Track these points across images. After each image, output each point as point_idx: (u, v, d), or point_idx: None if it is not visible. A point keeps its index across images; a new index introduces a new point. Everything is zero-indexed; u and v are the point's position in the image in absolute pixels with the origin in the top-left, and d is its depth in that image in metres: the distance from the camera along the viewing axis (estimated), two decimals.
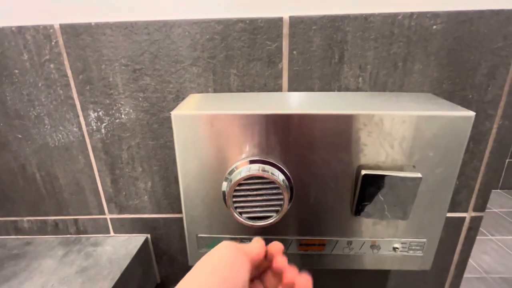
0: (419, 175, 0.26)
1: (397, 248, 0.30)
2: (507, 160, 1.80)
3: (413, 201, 0.27)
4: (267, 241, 0.32)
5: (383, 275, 0.41)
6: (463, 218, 0.37)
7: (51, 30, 0.31)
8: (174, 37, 0.31)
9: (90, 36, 0.31)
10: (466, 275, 1.26)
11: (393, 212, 0.28)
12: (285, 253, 0.31)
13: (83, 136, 0.36)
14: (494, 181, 0.36)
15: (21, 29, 0.31)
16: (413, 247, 0.30)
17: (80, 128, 0.35)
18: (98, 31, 0.31)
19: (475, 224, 0.38)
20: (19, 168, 0.37)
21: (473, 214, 0.37)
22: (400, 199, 0.27)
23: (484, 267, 1.31)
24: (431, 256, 0.31)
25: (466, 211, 0.37)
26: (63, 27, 0.31)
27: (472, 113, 0.25)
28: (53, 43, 0.31)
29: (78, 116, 0.35)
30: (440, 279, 0.42)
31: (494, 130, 0.33)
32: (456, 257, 0.40)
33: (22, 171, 0.38)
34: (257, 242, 0.22)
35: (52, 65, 0.32)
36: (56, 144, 0.36)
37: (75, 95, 0.34)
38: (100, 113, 0.34)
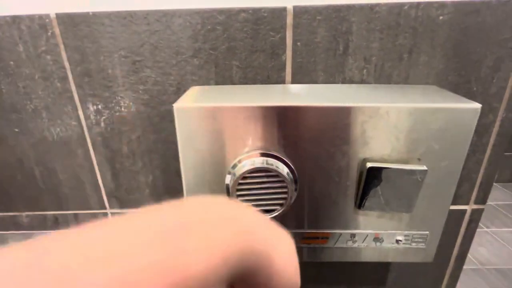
0: (424, 167, 0.26)
1: (400, 240, 0.30)
2: (504, 154, 1.82)
3: (418, 194, 0.27)
4: None
5: (384, 267, 0.42)
6: (464, 211, 0.38)
7: (47, 20, 0.30)
8: (175, 28, 0.30)
9: (88, 26, 0.30)
10: None
11: (397, 205, 0.28)
12: None
13: (82, 130, 0.35)
14: (495, 174, 0.36)
15: (15, 19, 0.30)
16: (416, 240, 0.30)
17: (79, 122, 0.34)
18: (96, 21, 0.30)
19: (476, 216, 0.38)
20: (16, 163, 0.37)
21: (474, 206, 0.37)
22: (405, 192, 0.27)
23: (479, 259, 1.34)
24: (433, 249, 0.31)
25: (467, 203, 0.37)
26: (60, 17, 0.30)
27: (478, 105, 0.25)
28: (49, 33, 0.31)
29: (76, 109, 0.34)
30: (440, 272, 0.42)
31: (497, 123, 0.33)
32: (456, 249, 0.40)
33: (20, 166, 0.37)
34: None
35: (48, 57, 0.32)
36: (55, 138, 0.35)
37: (73, 87, 0.33)
38: (99, 106, 0.34)
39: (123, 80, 0.32)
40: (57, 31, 0.30)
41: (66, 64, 0.32)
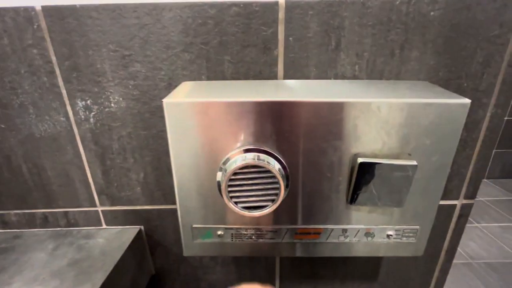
0: (414, 163, 0.26)
1: (391, 235, 0.31)
2: (494, 151, 1.86)
3: (408, 188, 0.27)
4: (262, 231, 0.32)
5: (375, 262, 0.42)
6: (454, 206, 0.38)
7: (33, 13, 0.29)
8: (165, 22, 0.29)
9: (76, 19, 0.29)
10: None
11: (388, 200, 0.28)
12: (280, 242, 0.31)
13: (71, 126, 0.34)
14: (484, 169, 0.36)
15: (0, 11, 0.29)
16: (407, 234, 0.31)
17: (68, 118, 0.34)
18: (84, 14, 0.29)
19: (466, 211, 0.39)
20: (4, 160, 0.36)
21: (464, 201, 0.38)
22: (396, 187, 0.27)
23: (469, 253, 1.37)
24: (423, 243, 0.31)
25: (457, 198, 0.38)
26: (46, 9, 0.29)
27: (467, 101, 0.25)
28: (35, 26, 0.30)
29: (65, 105, 0.33)
30: (430, 265, 0.43)
31: (487, 119, 0.33)
32: (446, 243, 0.41)
33: (7, 163, 0.36)
34: None
35: (35, 51, 0.31)
36: (43, 134, 0.35)
37: (61, 82, 0.32)
38: (88, 101, 0.33)
39: (113, 75, 0.32)
40: (43, 24, 0.30)
41: (53, 58, 0.31)
